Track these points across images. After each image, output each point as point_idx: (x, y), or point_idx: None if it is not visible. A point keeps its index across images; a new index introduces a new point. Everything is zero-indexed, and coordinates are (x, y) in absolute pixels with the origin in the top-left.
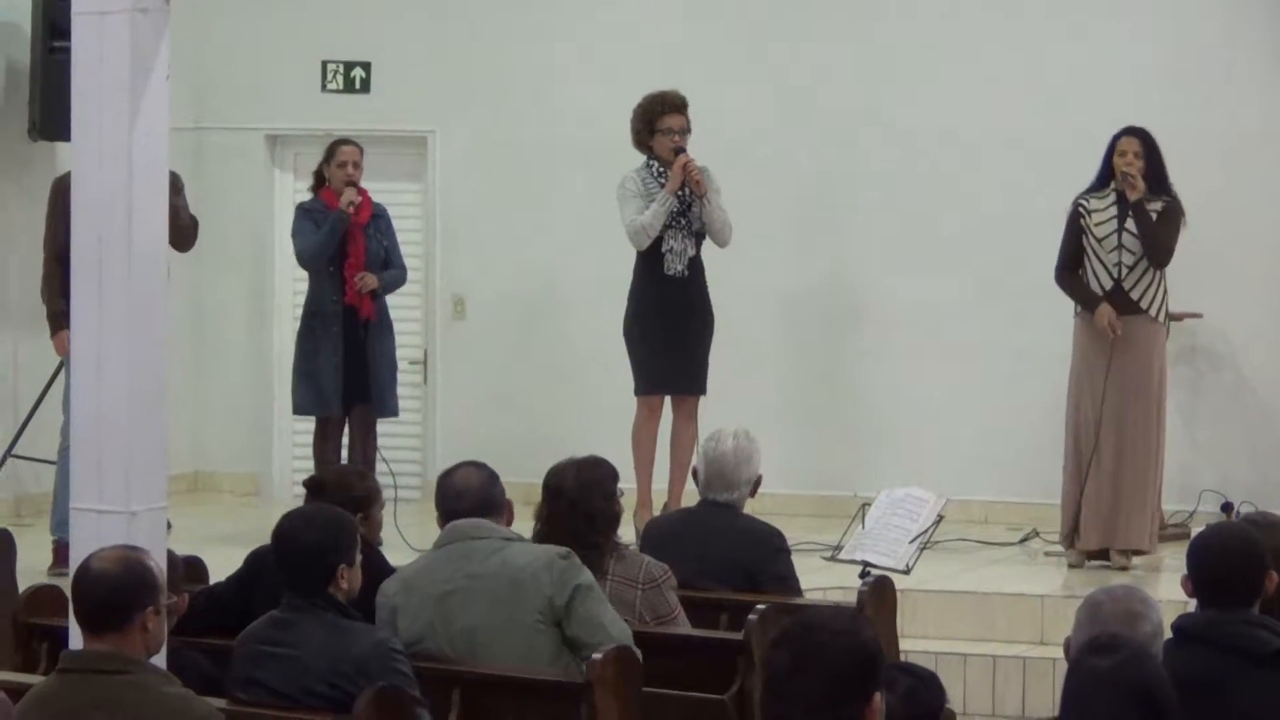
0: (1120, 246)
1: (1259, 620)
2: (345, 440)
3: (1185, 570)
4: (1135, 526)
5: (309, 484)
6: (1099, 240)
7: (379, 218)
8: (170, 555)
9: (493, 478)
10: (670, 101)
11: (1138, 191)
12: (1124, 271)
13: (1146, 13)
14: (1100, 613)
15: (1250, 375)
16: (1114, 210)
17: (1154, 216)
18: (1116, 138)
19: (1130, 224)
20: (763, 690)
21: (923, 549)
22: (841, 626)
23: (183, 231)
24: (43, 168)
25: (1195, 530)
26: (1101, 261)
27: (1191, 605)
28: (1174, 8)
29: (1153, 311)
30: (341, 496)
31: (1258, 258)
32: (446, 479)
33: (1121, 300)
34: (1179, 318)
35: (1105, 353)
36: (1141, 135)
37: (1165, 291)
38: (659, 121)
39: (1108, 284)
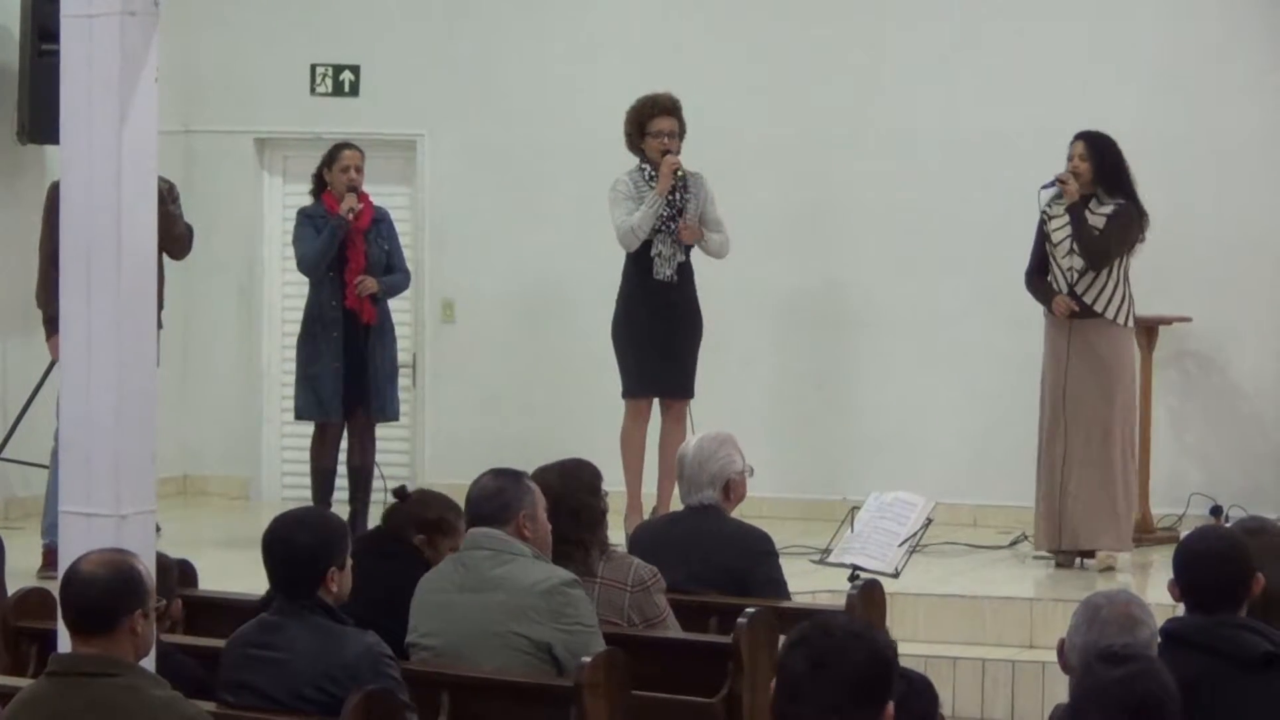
0: (1072, 252)
1: (1247, 623)
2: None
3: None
4: (1094, 528)
5: (396, 491)
6: (1055, 245)
7: (380, 222)
8: (166, 560)
9: (499, 489)
10: (660, 104)
11: (1070, 195)
12: (1075, 276)
13: (1143, 17)
14: (1099, 616)
15: (1239, 379)
16: (1067, 217)
17: (1104, 220)
18: (1070, 144)
19: None
20: (777, 691)
21: (911, 552)
22: (859, 630)
23: (178, 239)
24: (31, 171)
25: (1184, 534)
26: (1058, 265)
27: (1179, 610)
28: (1171, 12)
29: (1110, 314)
30: (416, 514)
31: (1248, 261)
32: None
33: (1076, 304)
34: (1168, 321)
35: (1064, 356)
36: (1089, 139)
37: (1126, 295)
38: (649, 124)
39: (1063, 289)
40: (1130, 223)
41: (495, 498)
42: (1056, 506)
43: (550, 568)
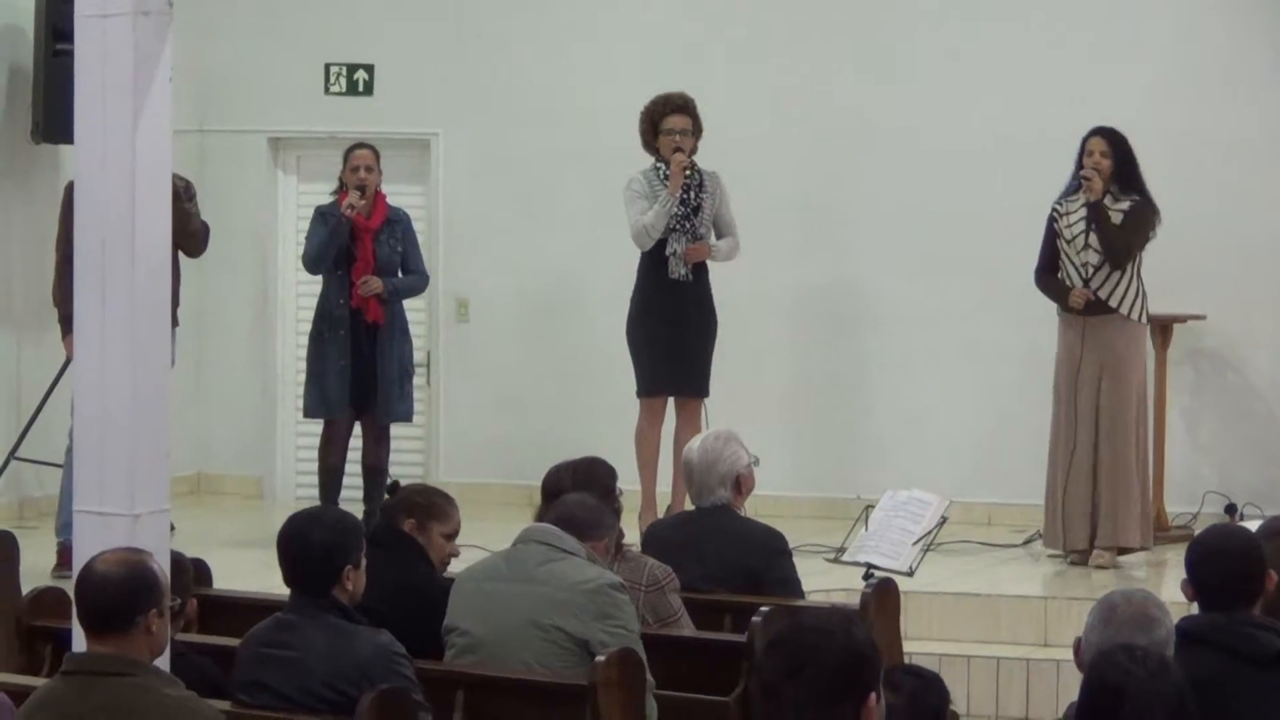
0: (1088, 247)
1: (1261, 622)
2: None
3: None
4: (1121, 524)
5: (389, 487)
6: (1068, 242)
7: (395, 223)
8: (181, 559)
9: (600, 509)
10: (673, 102)
11: (1095, 193)
12: (1090, 272)
13: (1149, 15)
14: (1115, 616)
15: (1253, 377)
16: (1083, 212)
17: (1121, 216)
18: (1086, 139)
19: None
20: (756, 694)
21: (926, 551)
22: (833, 627)
23: (194, 237)
24: (45, 170)
25: (1198, 532)
26: (1072, 262)
27: (1193, 609)
28: (1177, 10)
29: (1124, 310)
30: (407, 499)
31: (1262, 259)
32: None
33: (1092, 300)
34: (1182, 319)
35: (1079, 352)
36: (1108, 135)
37: (1140, 291)
38: (662, 122)
39: (1078, 285)
40: (1147, 219)
41: (583, 510)
42: (1069, 505)
43: (600, 570)
